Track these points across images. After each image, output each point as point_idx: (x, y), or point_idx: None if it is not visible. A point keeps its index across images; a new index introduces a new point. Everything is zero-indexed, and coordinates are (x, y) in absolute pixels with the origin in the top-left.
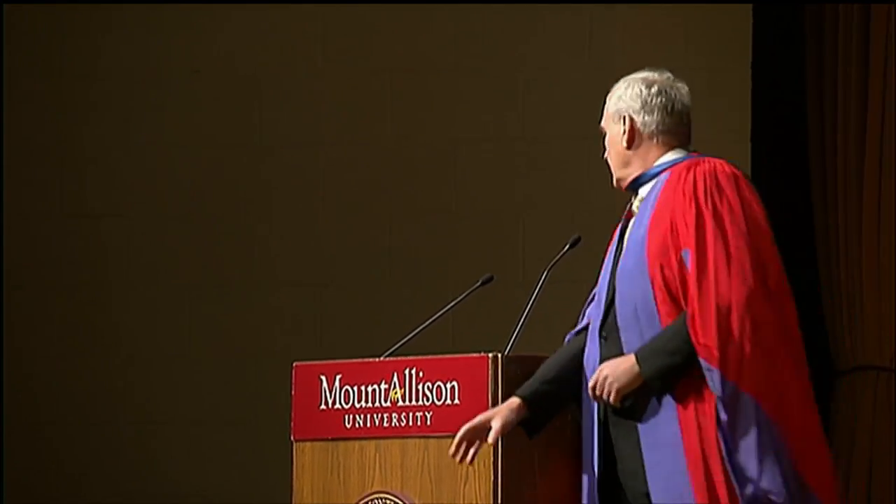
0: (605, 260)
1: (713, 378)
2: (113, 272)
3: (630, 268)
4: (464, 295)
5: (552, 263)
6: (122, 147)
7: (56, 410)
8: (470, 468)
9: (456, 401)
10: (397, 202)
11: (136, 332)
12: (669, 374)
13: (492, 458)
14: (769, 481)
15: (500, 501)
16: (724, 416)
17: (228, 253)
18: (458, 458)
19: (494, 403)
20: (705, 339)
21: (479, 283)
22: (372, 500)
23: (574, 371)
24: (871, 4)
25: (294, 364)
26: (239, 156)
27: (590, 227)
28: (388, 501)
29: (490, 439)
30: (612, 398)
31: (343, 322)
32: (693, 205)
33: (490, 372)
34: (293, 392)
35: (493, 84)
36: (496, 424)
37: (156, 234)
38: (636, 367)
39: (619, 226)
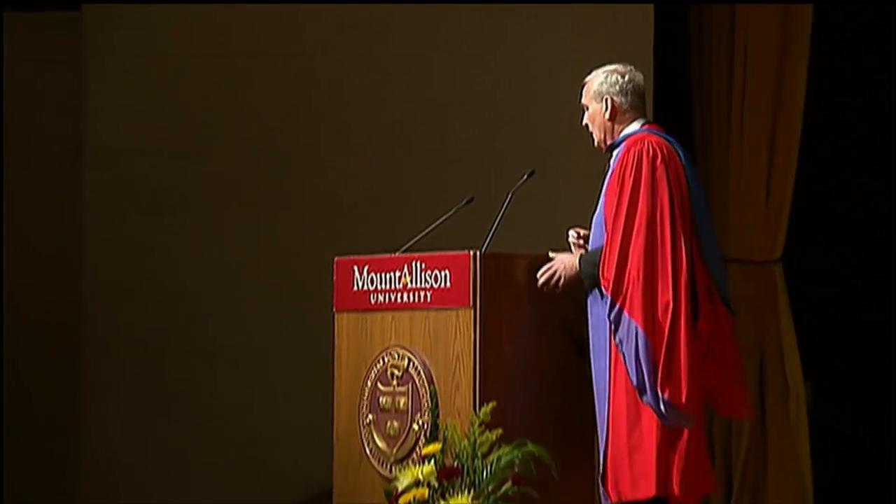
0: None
1: (607, 302)
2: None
3: (598, 213)
4: (454, 210)
5: (514, 189)
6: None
7: (130, 345)
8: (457, 331)
9: (448, 284)
10: (406, 148)
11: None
12: (594, 278)
13: (471, 322)
14: (630, 369)
15: (478, 352)
16: (614, 327)
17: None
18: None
19: (474, 287)
20: (605, 271)
21: (464, 202)
22: (389, 351)
23: None
24: (735, 4)
25: (335, 259)
26: (285, 115)
27: (542, 166)
28: (400, 352)
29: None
30: (560, 286)
31: (369, 228)
32: (619, 177)
33: (471, 264)
34: (335, 278)
35: (474, 60)
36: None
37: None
38: (577, 268)
39: (604, 174)
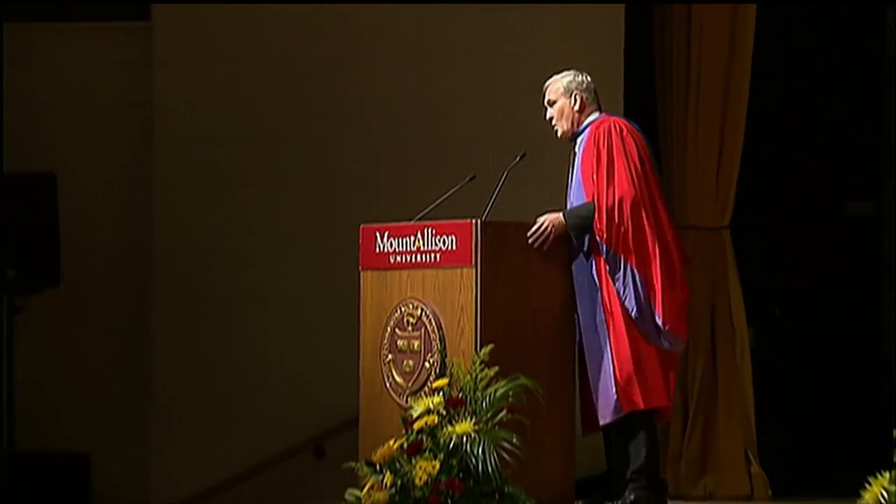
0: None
1: (601, 246)
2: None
3: (575, 185)
4: (459, 186)
5: (508, 169)
6: None
7: (193, 299)
8: (461, 285)
9: (454, 247)
10: (420, 135)
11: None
12: (580, 228)
13: (473, 279)
14: (630, 303)
15: (479, 303)
16: (610, 269)
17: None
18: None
19: (476, 250)
20: (599, 224)
21: (467, 180)
22: (405, 303)
23: None
24: (691, 5)
25: (361, 226)
26: (323, 91)
27: (532, 150)
28: (414, 303)
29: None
30: (549, 240)
31: (389, 201)
32: (595, 149)
33: (474, 230)
34: (360, 242)
35: (475, 60)
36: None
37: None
38: (563, 222)
39: (570, 159)
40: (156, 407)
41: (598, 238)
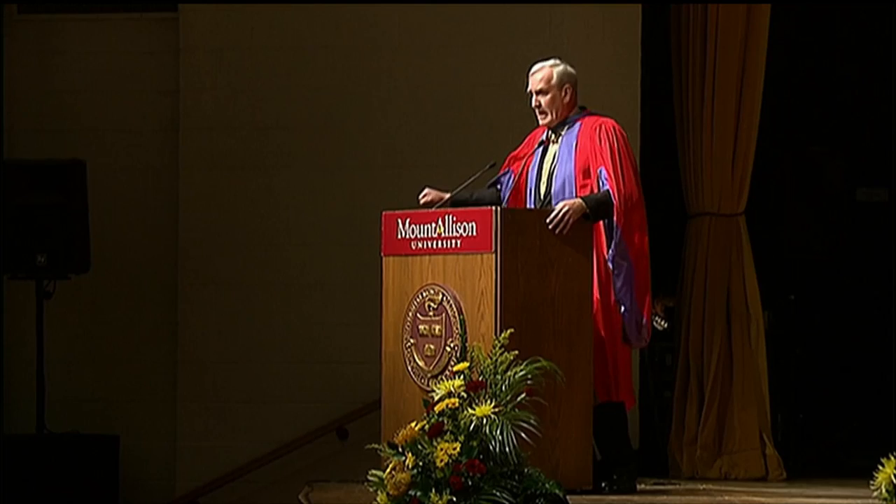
0: (531, 164)
1: (615, 229)
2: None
3: (562, 173)
4: (479, 173)
5: (527, 157)
6: None
7: (219, 283)
8: (481, 271)
9: (474, 233)
10: (440, 123)
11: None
12: (597, 213)
13: (493, 264)
14: (624, 296)
15: (498, 289)
16: (611, 252)
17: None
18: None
19: (496, 236)
20: (619, 211)
21: (486, 167)
22: (426, 288)
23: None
24: (707, 4)
25: (383, 213)
26: (357, 88)
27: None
28: (436, 288)
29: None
30: (569, 224)
31: (411, 188)
32: (607, 143)
33: (493, 217)
34: (382, 229)
35: (494, 50)
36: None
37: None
38: (583, 205)
39: (540, 148)
40: (182, 390)
41: (615, 223)
